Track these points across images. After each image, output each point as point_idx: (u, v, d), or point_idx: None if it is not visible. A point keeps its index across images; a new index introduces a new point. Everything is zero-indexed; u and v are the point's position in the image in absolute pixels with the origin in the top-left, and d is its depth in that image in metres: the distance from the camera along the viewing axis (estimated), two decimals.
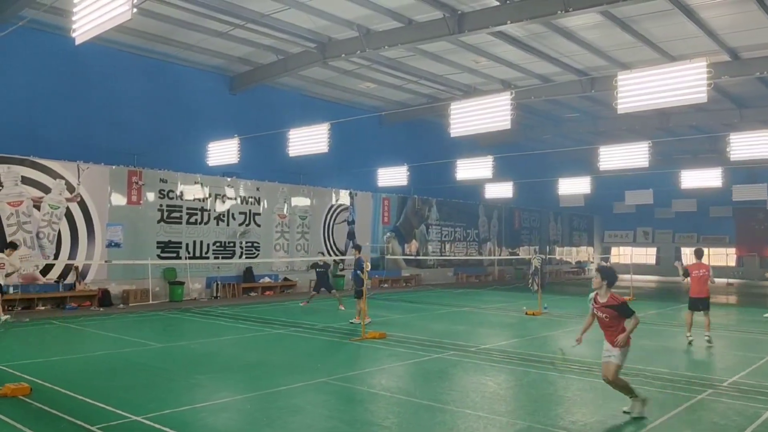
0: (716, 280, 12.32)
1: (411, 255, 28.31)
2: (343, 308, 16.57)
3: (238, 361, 9.93)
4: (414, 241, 28.81)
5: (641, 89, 9.34)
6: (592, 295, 7.09)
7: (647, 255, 42.54)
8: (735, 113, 24.96)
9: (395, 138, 27.13)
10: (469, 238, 32.55)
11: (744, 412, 7.12)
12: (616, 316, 6.78)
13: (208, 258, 20.31)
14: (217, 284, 20.44)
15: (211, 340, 12.07)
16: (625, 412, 6.85)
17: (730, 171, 27.01)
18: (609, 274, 6.94)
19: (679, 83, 8.97)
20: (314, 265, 17.55)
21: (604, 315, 6.87)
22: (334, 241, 24.62)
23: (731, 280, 34.82)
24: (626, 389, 6.84)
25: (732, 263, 39.45)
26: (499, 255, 34.09)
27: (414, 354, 10.56)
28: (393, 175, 22.60)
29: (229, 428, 6.37)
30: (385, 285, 26.36)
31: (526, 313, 16.82)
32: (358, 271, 14.22)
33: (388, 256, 26.98)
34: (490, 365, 9.79)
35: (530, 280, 21.87)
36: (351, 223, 25.43)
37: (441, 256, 30.24)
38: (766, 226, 37.95)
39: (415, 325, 14.48)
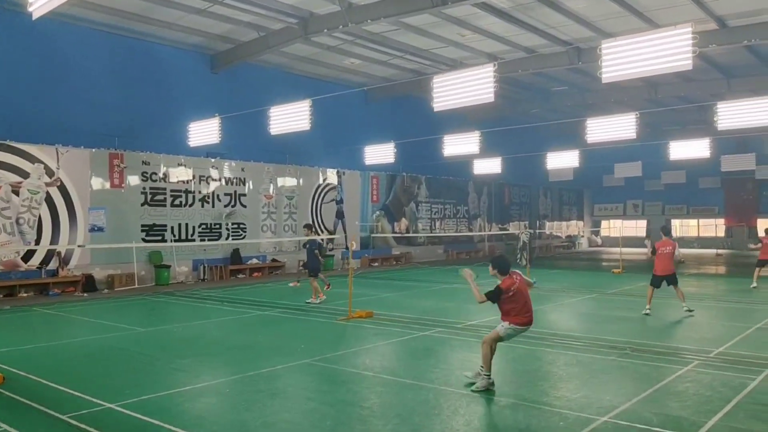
0: (704, 250, 12.35)
1: (401, 233, 28.17)
2: (296, 285, 16.65)
3: (221, 344, 9.78)
4: (403, 219, 28.64)
5: (626, 58, 9.12)
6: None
7: (637, 227, 42.60)
8: (723, 83, 24.79)
9: (382, 115, 26.80)
10: (459, 214, 32.42)
11: (730, 383, 7.05)
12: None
13: (194, 240, 20.06)
14: (204, 267, 20.23)
15: (195, 323, 11.90)
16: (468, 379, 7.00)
17: (719, 141, 26.93)
18: (498, 264, 7.12)
19: (664, 51, 8.75)
20: (304, 245, 17.26)
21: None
22: (322, 221, 24.41)
23: (720, 251, 34.95)
24: (485, 360, 6.89)
25: (721, 234, 39.59)
26: (490, 231, 34.00)
27: (400, 332, 10.44)
28: (380, 153, 22.34)
29: (207, 413, 6.23)
30: (375, 264, 26.24)
31: None
32: (316, 251, 14.34)
33: (378, 235, 26.81)
34: (477, 342, 9.65)
35: (519, 255, 21.81)
36: (339, 202, 25.20)
37: (431, 233, 30.11)
38: (755, 196, 38.02)
39: (403, 304, 14.37)
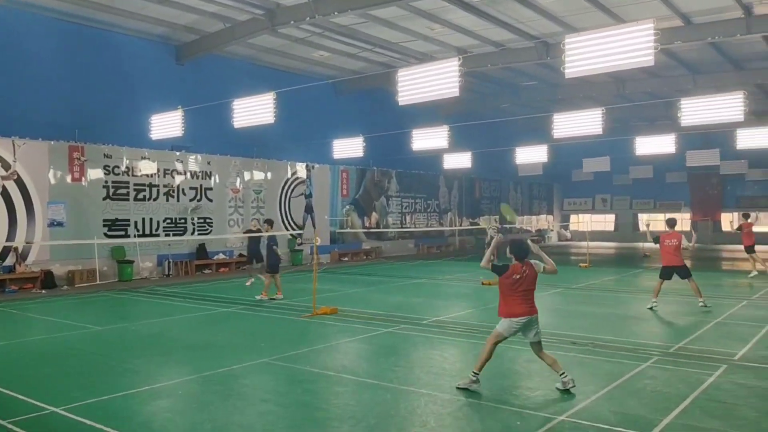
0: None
1: (371, 227, 28.03)
2: (250, 283, 16.34)
3: (180, 342, 9.54)
4: (374, 213, 28.50)
5: (590, 52, 9.09)
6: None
7: (605, 222, 43.15)
8: (689, 79, 25.12)
9: (352, 108, 26.57)
10: (430, 209, 32.40)
11: (688, 378, 7.08)
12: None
13: (158, 235, 19.65)
14: (169, 262, 19.84)
15: (156, 320, 11.62)
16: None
17: (685, 137, 27.30)
18: (515, 248, 6.93)
19: (627, 46, 8.73)
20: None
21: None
22: (291, 215, 24.15)
23: (686, 244, 35.49)
24: (483, 357, 6.83)
25: (687, 228, 40.25)
26: (460, 225, 34.08)
27: (364, 329, 10.32)
28: (349, 147, 22.11)
29: (155, 417, 6.02)
30: (345, 258, 26.07)
31: (483, 283, 16.74)
32: (274, 246, 14.18)
33: (346, 230, 26.62)
34: (440, 338, 9.62)
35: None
36: (308, 196, 24.95)
37: (401, 228, 30.04)
38: (719, 191, 38.75)
39: (369, 299, 14.26)
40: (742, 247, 18.37)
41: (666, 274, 12.41)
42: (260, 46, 21.52)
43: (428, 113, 28.16)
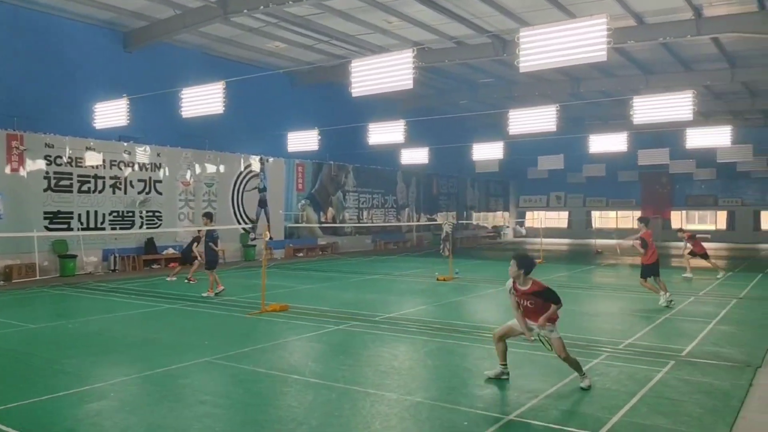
0: (622, 241, 12.62)
1: (327, 222, 27.70)
2: (193, 282, 16.04)
3: (120, 341, 9.08)
4: (330, 208, 28.17)
5: (543, 47, 9.00)
6: (509, 283, 6.71)
7: (559, 219, 43.80)
8: (641, 79, 25.58)
9: (309, 101, 26.12)
10: (388, 204, 32.25)
11: (636, 375, 7.05)
12: (542, 303, 6.52)
13: (104, 229, 18.92)
14: (115, 257, 19.13)
15: (96, 318, 11.09)
16: (494, 377, 6.84)
17: (636, 136, 27.83)
18: (526, 263, 6.56)
19: (580, 41, 8.68)
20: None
21: (529, 302, 6.56)
22: (244, 210, 23.62)
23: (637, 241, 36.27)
24: (575, 365, 6.64)
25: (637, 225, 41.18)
26: (418, 221, 34.04)
27: (314, 327, 10.04)
28: (304, 140, 21.72)
29: (82, 421, 5.62)
30: (300, 254, 25.68)
31: (438, 279, 16.66)
32: (210, 243, 13.88)
33: (299, 225, 26.21)
34: (391, 335, 9.42)
35: (442, 246, 21.79)
36: (263, 190, 24.45)
37: (358, 223, 29.79)
38: (669, 189, 39.78)
39: (322, 296, 13.97)
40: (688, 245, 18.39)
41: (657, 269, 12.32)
42: (213, 35, 20.93)
43: (386, 108, 28.00)
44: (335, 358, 7.98)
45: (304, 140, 21.68)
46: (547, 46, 8.89)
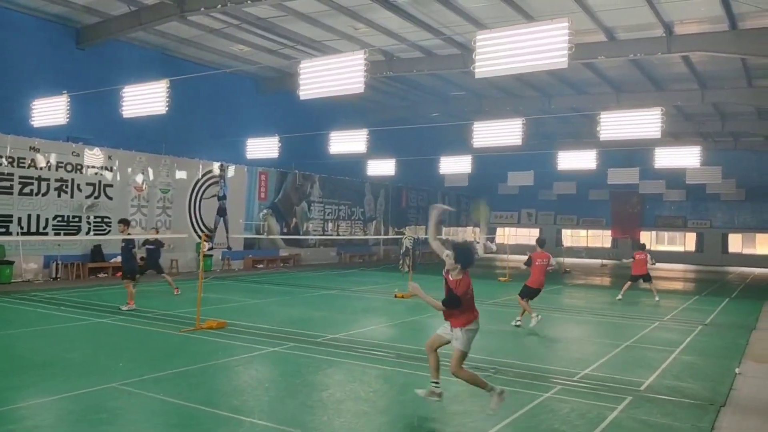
0: (592, 260, 12.00)
1: (289, 234, 26.78)
2: (178, 292, 15.10)
3: (24, 360, 8.12)
4: (294, 218, 27.29)
5: (501, 52, 8.37)
6: (444, 271, 6.20)
7: (530, 236, 43.38)
8: (612, 97, 25.30)
9: (275, 108, 25.28)
10: (355, 216, 31.47)
11: (588, 413, 6.36)
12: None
13: (46, 234, 17.83)
14: (57, 264, 18.02)
15: (11, 332, 10.07)
16: (427, 394, 6.24)
17: (607, 155, 27.52)
18: (464, 257, 6.03)
19: (541, 45, 8.06)
20: (145, 242, 15.55)
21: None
22: (201, 218, 22.64)
23: (605, 261, 36.03)
24: (477, 383, 6.06)
25: (608, 245, 41.04)
26: (386, 234, 33.29)
27: (247, 348, 9.19)
28: (264, 147, 20.87)
29: None
30: (260, 265, 24.72)
31: (396, 296, 15.90)
32: (134, 250, 12.96)
33: (257, 236, 25.26)
34: (331, 360, 8.60)
35: (401, 261, 21.02)
36: (222, 198, 23.50)
37: (323, 234, 28.94)
38: (639, 209, 39.69)
39: (269, 312, 13.11)
40: (659, 265, 17.97)
41: (533, 293, 11.99)
42: (173, 35, 20.08)
43: (355, 118, 27.38)
44: (258, 387, 7.16)
45: (264, 147, 20.80)
46: (506, 51, 8.26)
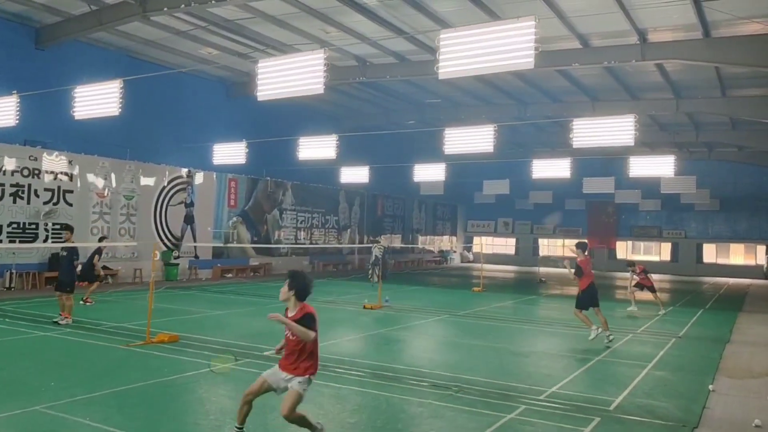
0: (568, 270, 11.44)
1: (260, 242, 26.12)
2: (90, 303, 14.47)
3: None
4: (265, 226, 26.65)
5: (466, 51, 7.95)
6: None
7: (507, 245, 43.22)
8: (588, 105, 25.11)
9: (246, 114, 24.62)
10: (328, 224, 30.89)
11: None
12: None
13: (0, 242, 17.02)
14: (12, 273, 17.21)
15: None
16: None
17: (583, 164, 27.37)
18: (299, 283, 5.26)
19: (506, 45, 7.66)
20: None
21: (290, 333, 5.23)
22: (167, 226, 21.91)
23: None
24: (305, 424, 5.31)
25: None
26: (361, 243, 32.75)
27: (193, 364, 8.58)
28: (231, 153, 20.23)
29: None
30: (229, 275, 24.01)
31: (365, 307, 15.38)
32: (76, 261, 12.17)
33: (234, 244, 24.62)
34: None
35: (370, 271, 20.48)
36: (189, 205, 22.81)
37: (295, 243, 28.31)
38: (615, 219, 39.67)
39: (228, 324, 12.50)
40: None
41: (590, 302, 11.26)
42: (138, 37, 19.43)
43: (327, 125, 26.96)
44: (199, 411, 6.58)
45: (231, 153, 20.17)
46: (470, 51, 7.85)
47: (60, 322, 11.61)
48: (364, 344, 11.06)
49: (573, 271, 11.46)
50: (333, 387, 7.57)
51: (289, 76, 9.34)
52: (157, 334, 10.14)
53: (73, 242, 12.58)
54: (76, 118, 12.66)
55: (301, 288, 5.24)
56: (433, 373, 8.48)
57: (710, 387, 8.11)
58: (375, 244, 19.85)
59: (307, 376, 5.24)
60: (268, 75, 9.63)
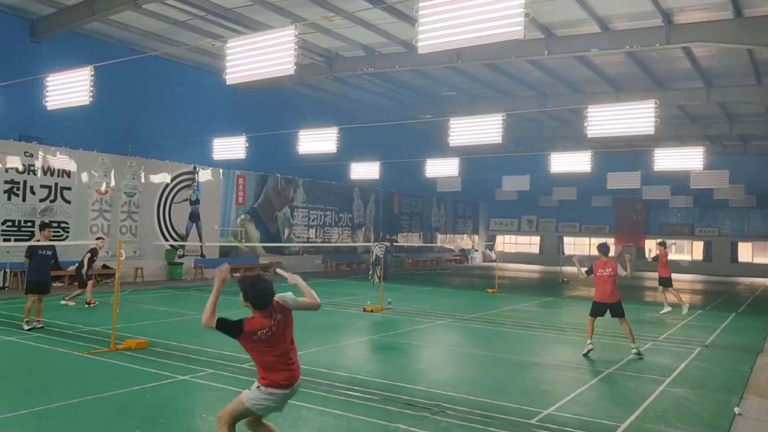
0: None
1: (270, 241, 25.37)
2: (71, 304, 14.03)
3: None
4: (275, 224, 25.90)
5: (447, 21, 6.95)
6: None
7: (531, 244, 41.84)
8: (612, 96, 23.67)
9: (254, 108, 23.93)
10: (342, 222, 30.05)
11: None
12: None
13: None
14: (5, 272, 16.74)
15: None
16: None
17: (607, 158, 26.02)
18: (248, 292, 4.57)
19: (491, 12, 6.63)
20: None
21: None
22: (171, 224, 21.30)
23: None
24: None
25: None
26: (375, 242, 31.77)
27: (155, 375, 7.78)
28: (233, 148, 19.43)
29: None
30: (236, 274, 23.06)
31: (365, 310, 14.46)
32: (53, 261, 11.56)
33: (243, 242, 23.88)
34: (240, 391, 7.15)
35: (371, 272, 19.51)
36: (195, 202, 22.17)
37: (308, 242, 27.52)
38: (643, 216, 38.01)
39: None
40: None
41: (597, 310, 10.24)
42: (137, 28, 18.86)
43: (340, 119, 26.04)
44: (132, 427, 5.73)
45: (233, 148, 19.37)
46: (452, 21, 6.85)
47: (37, 325, 10.95)
48: (354, 353, 10.13)
49: (585, 270, 10.39)
50: (309, 407, 6.61)
51: (259, 56, 8.47)
52: (125, 340, 9.37)
53: (50, 241, 11.91)
54: (49, 108, 12.01)
55: (251, 296, 4.54)
56: (415, 389, 7.50)
57: (736, 410, 6.97)
58: (376, 243, 18.85)
59: (256, 385, 4.54)
60: (237, 56, 8.78)
